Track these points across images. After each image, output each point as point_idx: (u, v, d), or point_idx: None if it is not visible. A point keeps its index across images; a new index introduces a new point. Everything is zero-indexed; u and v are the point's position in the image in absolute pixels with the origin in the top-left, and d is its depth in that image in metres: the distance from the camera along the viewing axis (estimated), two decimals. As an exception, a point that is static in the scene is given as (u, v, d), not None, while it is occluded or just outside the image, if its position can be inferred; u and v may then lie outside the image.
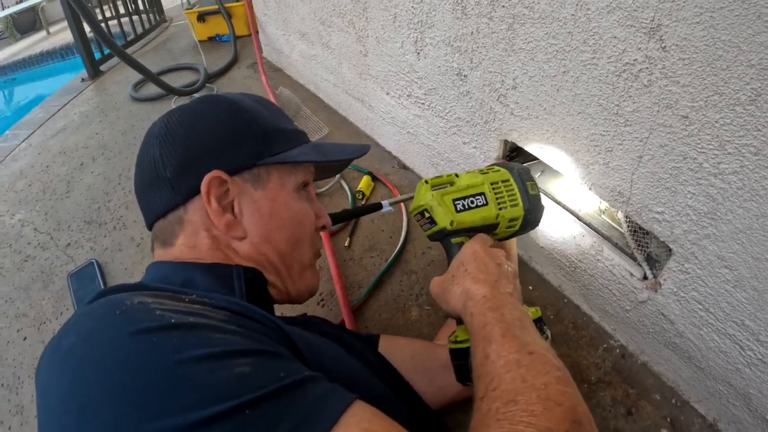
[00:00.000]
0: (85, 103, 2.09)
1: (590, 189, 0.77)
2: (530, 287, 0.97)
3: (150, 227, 0.56)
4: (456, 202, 0.61)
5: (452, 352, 0.56)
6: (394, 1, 1.05)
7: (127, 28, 2.65)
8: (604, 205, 0.85)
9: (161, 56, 2.47)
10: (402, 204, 1.14)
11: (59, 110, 2.08)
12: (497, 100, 0.88)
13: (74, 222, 1.35)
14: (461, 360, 0.53)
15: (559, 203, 0.88)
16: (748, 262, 0.59)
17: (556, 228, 0.89)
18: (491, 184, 0.64)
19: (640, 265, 0.76)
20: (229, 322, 0.38)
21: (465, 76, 0.94)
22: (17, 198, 1.52)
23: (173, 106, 1.79)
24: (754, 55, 0.49)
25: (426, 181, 0.62)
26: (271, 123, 0.57)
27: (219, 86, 1.97)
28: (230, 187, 0.52)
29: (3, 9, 5.34)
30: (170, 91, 1.82)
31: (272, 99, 1.68)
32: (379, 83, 1.28)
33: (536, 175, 0.94)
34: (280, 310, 0.62)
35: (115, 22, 2.61)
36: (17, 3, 5.38)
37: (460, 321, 0.54)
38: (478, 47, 0.87)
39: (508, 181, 0.65)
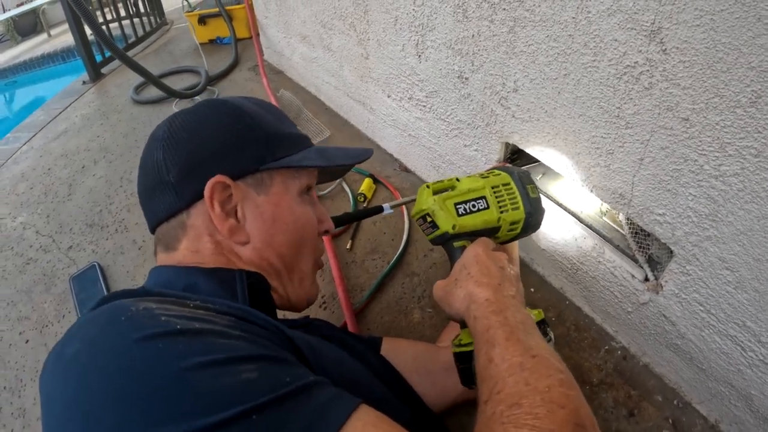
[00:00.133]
0: (87, 105, 2.09)
1: (591, 191, 0.77)
2: (532, 289, 0.97)
3: (153, 231, 0.56)
4: (458, 206, 0.62)
5: (456, 355, 0.56)
6: (395, 4, 1.06)
7: (128, 30, 2.65)
8: (605, 206, 0.85)
9: (162, 59, 2.48)
10: (404, 206, 1.15)
11: (60, 113, 2.09)
12: (498, 102, 0.88)
13: (76, 225, 1.36)
14: (466, 363, 0.53)
15: (560, 205, 0.89)
16: (750, 264, 0.59)
17: (557, 230, 0.89)
18: (492, 187, 0.64)
19: (642, 267, 0.76)
20: (233, 327, 0.38)
21: (466, 78, 0.94)
22: (19, 201, 1.52)
23: (174, 109, 1.83)
24: (755, 57, 0.49)
25: (427, 186, 0.63)
26: (275, 127, 0.57)
27: (220, 89, 1.97)
28: (233, 192, 0.52)
29: (4, 12, 5.35)
30: (171, 93, 1.82)
31: (273, 102, 1.68)
32: (381, 86, 1.28)
33: (537, 177, 0.94)
34: (282, 313, 0.62)
35: (116, 24, 2.62)
36: (18, 6, 5.39)
37: (463, 324, 0.54)
38: (479, 50, 0.87)
39: (508, 184, 0.65)
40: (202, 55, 2.27)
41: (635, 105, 0.63)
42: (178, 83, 2.05)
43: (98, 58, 2.39)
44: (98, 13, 2.52)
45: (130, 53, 2.56)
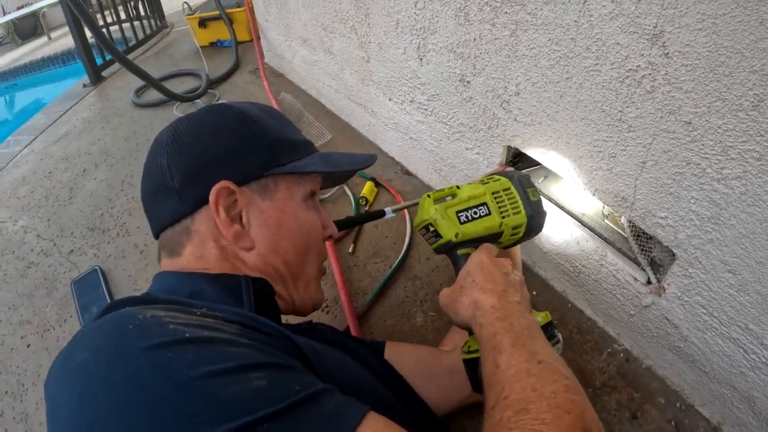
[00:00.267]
0: (87, 108, 2.09)
1: (594, 194, 0.77)
2: (534, 292, 0.97)
3: (156, 236, 0.56)
4: (459, 214, 0.62)
5: (466, 362, 0.57)
6: (396, 7, 1.06)
7: (129, 33, 2.65)
8: (607, 209, 0.85)
9: (162, 62, 2.48)
10: (405, 210, 1.15)
11: (61, 116, 2.09)
12: (500, 106, 0.88)
13: (77, 228, 1.35)
14: (475, 369, 0.54)
15: (562, 208, 0.89)
16: (752, 267, 0.59)
17: (559, 233, 0.89)
18: (493, 193, 0.65)
19: (644, 270, 0.76)
20: (241, 335, 0.38)
21: (468, 82, 0.94)
22: (20, 204, 1.52)
23: (175, 112, 1.84)
24: (757, 61, 0.49)
25: (428, 195, 0.63)
26: (279, 133, 0.57)
27: (221, 92, 1.97)
28: (238, 198, 0.52)
29: (4, 14, 5.36)
30: (172, 97, 1.82)
31: (274, 104, 1.68)
32: (382, 89, 1.28)
33: (539, 180, 0.94)
34: (285, 318, 0.62)
35: (116, 27, 2.62)
36: (18, 8, 5.40)
37: (470, 331, 0.55)
38: (480, 53, 0.87)
39: (509, 189, 0.66)
40: (203, 58, 2.27)
41: (637, 108, 0.63)
42: (178, 86, 2.06)
43: (99, 61, 2.39)
44: (98, 16, 2.53)
45: (130, 56, 2.56)
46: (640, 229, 0.75)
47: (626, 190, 0.71)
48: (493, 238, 0.64)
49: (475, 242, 0.63)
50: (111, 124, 1.90)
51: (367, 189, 1.25)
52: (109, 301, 1.08)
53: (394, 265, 1.04)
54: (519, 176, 0.68)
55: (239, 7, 2.38)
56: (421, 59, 1.06)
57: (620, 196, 0.72)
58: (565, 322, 0.91)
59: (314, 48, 1.59)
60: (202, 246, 0.52)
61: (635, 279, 0.77)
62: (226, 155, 0.53)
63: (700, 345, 0.71)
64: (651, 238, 0.75)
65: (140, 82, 2.03)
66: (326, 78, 1.61)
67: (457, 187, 0.65)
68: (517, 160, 0.97)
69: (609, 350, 0.86)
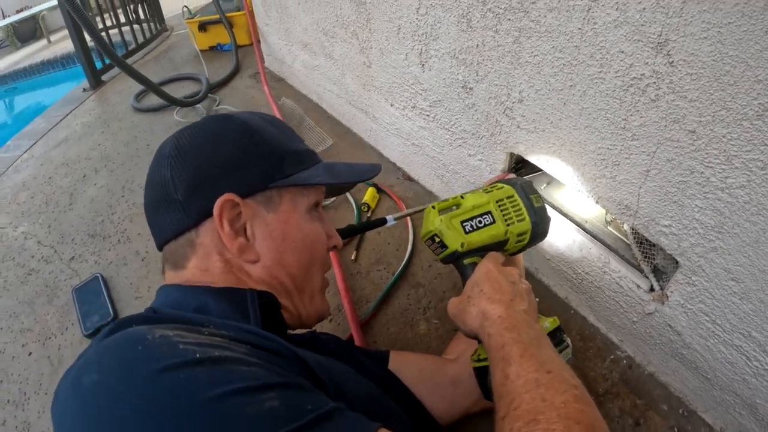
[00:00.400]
0: (87, 113, 2.09)
1: (597, 202, 0.77)
2: (537, 299, 0.96)
3: (160, 248, 0.56)
4: (464, 224, 0.63)
5: (476, 370, 0.58)
6: (398, 12, 1.06)
7: (128, 37, 2.65)
8: (610, 215, 0.85)
9: (162, 66, 2.48)
10: (408, 217, 1.15)
11: (61, 120, 2.08)
12: (503, 113, 0.88)
13: (78, 235, 1.35)
14: (485, 378, 0.54)
15: (565, 214, 0.89)
16: (755, 275, 0.60)
17: (562, 240, 0.89)
18: (497, 202, 0.65)
19: (647, 277, 0.76)
20: (250, 354, 0.38)
21: (470, 88, 0.94)
22: (20, 210, 1.51)
23: (176, 117, 1.83)
24: (762, 70, 0.49)
25: (433, 207, 0.64)
26: (282, 143, 0.57)
27: (221, 96, 1.97)
28: (242, 210, 0.52)
29: (3, 17, 5.36)
30: (172, 102, 1.81)
31: (275, 109, 1.68)
32: (383, 94, 1.28)
33: (542, 187, 0.94)
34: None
35: (115, 31, 2.62)
36: (18, 12, 5.41)
37: (479, 340, 0.55)
38: (483, 60, 0.87)
39: (512, 197, 0.66)
40: (203, 62, 2.27)
41: (642, 117, 0.63)
42: (179, 90, 2.05)
43: (98, 65, 2.38)
44: (98, 18, 2.52)
45: (130, 60, 2.56)
46: (644, 236, 0.75)
47: (630, 198, 0.71)
48: (499, 245, 0.65)
49: (481, 251, 0.63)
50: (111, 129, 1.89)
51: (369, 195, 1.25)
52: (110, 309, 1.08)
53: (397, 272, 1.04)
54: (522, 183, 0.68)
55: (239, 11, 2.38)
56: (423, 65, 1.06)
57: (624, 204, 0.72)
58: (568, 329, 0.91)
59: (315, 53, 1.59)
60: (206, 259, 0.52)
61: (638, 286, 0.77)
62: (230, 167, 0.53)
63: (702, 352, 0.71)
64: (654, 245, 0.75)
65: (140, 87, 2.02)
66: (327, 83, 1.61)
67: (461, 196, 0.66)
68: (520, 165, 0.97)
69: (612, 357, 0.86)
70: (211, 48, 2.51)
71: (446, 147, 1.12)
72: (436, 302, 0.99)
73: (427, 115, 1.13)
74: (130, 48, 2.63)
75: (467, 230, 0.62)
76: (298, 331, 0.64)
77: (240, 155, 0.53)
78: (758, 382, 0.65)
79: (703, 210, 0.62)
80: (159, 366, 0.33)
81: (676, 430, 0.76)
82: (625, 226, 0.81)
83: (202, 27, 2.44)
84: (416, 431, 0.62)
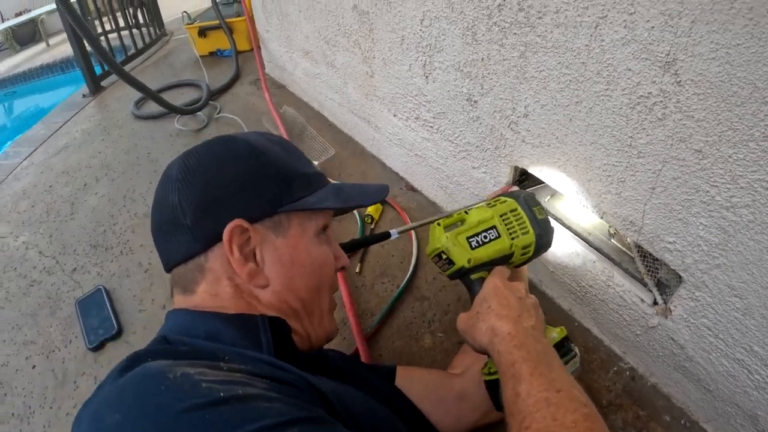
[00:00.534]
0: (87, 120, 2.08)
1: (602, 217, 0.78)
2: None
3: (168, 271, 0.56)
4: (470, 240, 0.64)
5: (487, 383, 0.59)
6: (401, 23, 1.06)
7: (128, 41, 2.64)
8: (614, 228, 0.86)
9: (162, 71, 2.47)
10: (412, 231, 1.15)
11: (61, 127, 2.07)
12: (508, 126, 0.89)
13: (80, 246, 1.34)
14: (497, 390, 0.55)
15: (569, 228, 0.89)
16: (758, 292, 0.60)
17: (566, 252, 0.90)
18: (501, 216, 0.66)
19: (651, 291, 0.77)
20: (269, 389, 0.38)
21: (475, 101, 0.95)
22: (21, 219, 1.50)
23: (176, 125, 1.83)
24: (769, 92, 0.50)
25: (438, 223, 0.65)
26: (291, 166, 0.57)
27: (222, 103, 1.96)
28: (252, 235, 0.52)
29: (2, 21, 5.35)
30: (172, 109, 1.80)
31: (276, 117, 1.68)
32: (386, 105, 1.28)
33: (545, 199, 0.95)
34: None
35: (114, 35, 2.61)
36: (17, 15, 5.39)
37: (489, 355, 0.56)
38: (488, 74, 0.88)
39: (516, 210, 0.68)
40: (203, 68, 2.26)
41: (648, 135, 0.64)
42: (178, 97, 2.05)
43: (98, 70, 2.37)
44: (96, 23, 2.51)
45: (129, 65, 2.55)
46: (647, 251, 0.75)
47: (635, 214, 0.71)
48: (505, 259, 0.66)
49: (488, 265, 0.64)
50: (111, 137, 1.88)
51: (373, 207, 1.24)
52: (114, 322, 1.07)
53: (402, 285, 1.04)
54: (525, 196, 0.69)
55: (239, 16, 2.38)
56: (426, 77, 1.06)
57: (628, 220, 0.73)
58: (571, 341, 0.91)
59: (316, 61, 1.59)
60: (216, 284, 0.52)
61: (642, 300, 0.78)
62: (238, 190, 0.52)
63: (705, 365, 0.72)
64: (658, 259, 0.76)
65: (140, 93, 2.01)
66: (329, 91, 1.61)
67: (465, 212, 0.67)
68: (524, 177, 0.97)
69: (615, 369, 0.87)
70: (211, 53, 2.51)
71: (450, 159, 1.12)
72: (441, 315, 0.99)
73: (431, 127, 1.13)
74: (129, 53, 2.62)
75: (473, 246, 0.63)
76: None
77: (247, 177, 0.53)
78: (759, 395, 0.66)
79: (707, 228, 0.62)
80: (183, 406, 0.33)
81: (678, 441, 0.76)
82: (629, 239, 0.81)
83: (202, 32, 2.43)
84: None
